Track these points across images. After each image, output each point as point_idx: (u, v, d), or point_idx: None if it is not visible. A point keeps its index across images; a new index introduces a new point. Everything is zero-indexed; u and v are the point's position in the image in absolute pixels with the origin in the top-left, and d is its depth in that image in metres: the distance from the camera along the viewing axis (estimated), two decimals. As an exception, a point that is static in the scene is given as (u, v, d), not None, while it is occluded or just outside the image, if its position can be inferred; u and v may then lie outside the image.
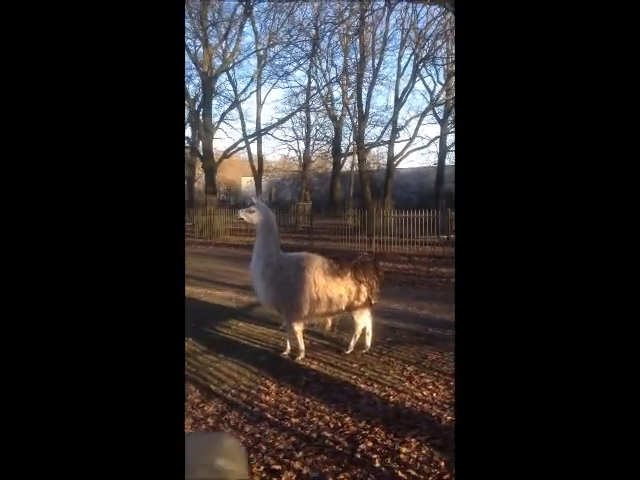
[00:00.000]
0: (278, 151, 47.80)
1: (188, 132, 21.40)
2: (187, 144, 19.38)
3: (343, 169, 29.36)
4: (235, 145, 19.93)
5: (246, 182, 38.32)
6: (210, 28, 18.18)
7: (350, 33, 20.53)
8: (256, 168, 23.71)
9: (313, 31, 20.06)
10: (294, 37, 19.06)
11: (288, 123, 27.19)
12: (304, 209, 20.20)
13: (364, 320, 4.15)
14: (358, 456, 2.51)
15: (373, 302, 4.15)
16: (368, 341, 4.19)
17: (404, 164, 27.40)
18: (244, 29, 19.01)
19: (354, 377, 3.58)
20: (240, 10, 17.57)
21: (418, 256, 11.35)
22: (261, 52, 20.18)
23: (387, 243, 12.49)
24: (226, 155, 19.67)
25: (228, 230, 15.79)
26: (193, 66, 18.71)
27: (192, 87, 21.08)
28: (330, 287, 3.91)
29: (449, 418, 2.92)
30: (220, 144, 25.39)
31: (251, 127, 24.51)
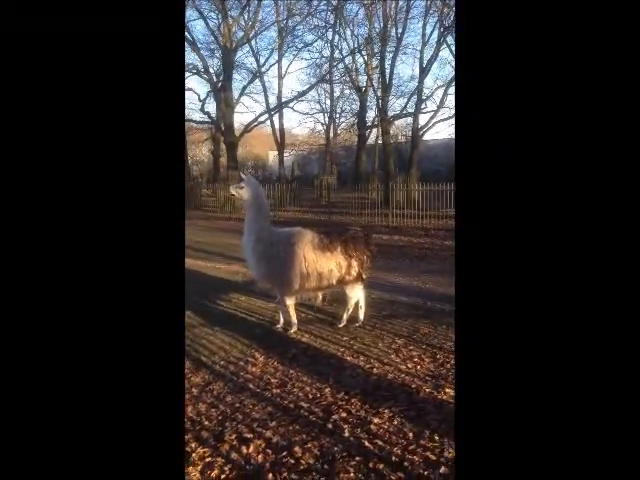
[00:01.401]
0: (304, 124, 47.49)
1: (212, 107, 21.53)
2: (208, 119, 19.45)
3: (370, 141, 29.02)
4: (256, 119, 19.90)
5: (273, 156, 38.29)
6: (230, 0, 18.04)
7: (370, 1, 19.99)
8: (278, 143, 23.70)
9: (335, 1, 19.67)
10: (314, 7, 18.69)
11: (314, 95, 27.02)
12: (327, 183, 20.17)
13: (356, 294, 4.18)
14: (330, 426, 2.57)
15: (364, 276, 4.16)
16: (361, 315, 4.23)
17: (431, 135, 26.96)
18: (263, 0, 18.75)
19: (342, 350, 3.64)
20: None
21: (437, 229, 11.25)
22: (281, 23, 19.96)
23: (407, 217, 12.40)
24: (247, 129, 19.69)
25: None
26: (213, 39, 18.74)
27: (215, 61, 21.15)
28: (320, 262, 3.96)
29: (427, 390, 2.95)
30: (244, 118, 25.33)
31: (274, 100, 24.32)
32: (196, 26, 45.90)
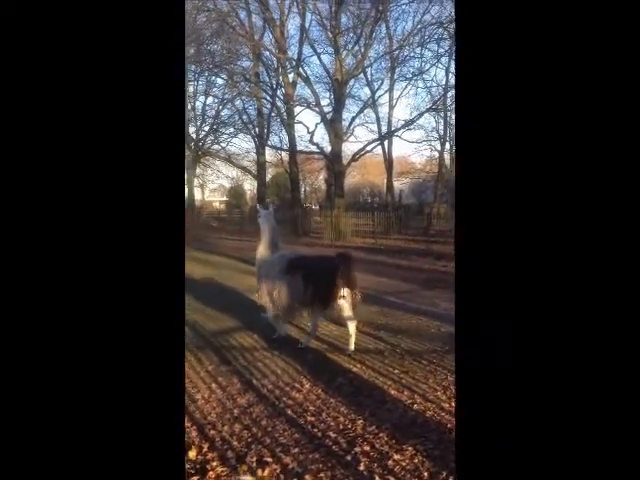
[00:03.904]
0: (420, 151, 47.69)
1: (327, 137, 22.28)
2: (317, 149, 20.18)
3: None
4: (364, 148, 20.26)
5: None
6: (344, 34, 18.69)
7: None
8: (394, 170, 23.84)
9: (452, 29, 19.50)
10: (427, 37, 18.73)
11: (431, 123, 26.82)
12: (438, 211, 19.86)
13: (348, 320, 4.36)
14: (349, 458, 2.58)
15: (325, 307, 4.35)
16: (350, 343, 4.34)
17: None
18: (375, 33, 19.19)
19: (389, 383, 3.60)
20: (372, 13, 17.76)
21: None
22: (394, 54, 20.27)
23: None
24: (354, 158, 20.10)
25: (354, 232, 16.21)
26: (326, 74, 19.56)
27: (328, 94, 22.00)
28: (282, 285, 4.50)
29: (462, 431, 2.84)
30: (357, 147, 25.80)
31: (387, 129, 24.56)
32: (310, 63, 47.74)
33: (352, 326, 4.33)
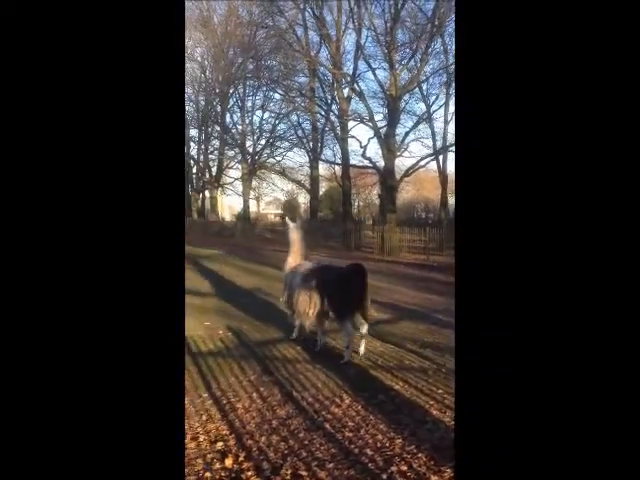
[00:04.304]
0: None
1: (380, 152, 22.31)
2: (370, 164, 20.17)
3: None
4: (417, 163, 20.11)
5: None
6: (399, 50, 18.71)
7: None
8: (448, 185, 23.55)
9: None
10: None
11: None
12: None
13: (345, 331, 4.54)
14: (384, 477, 2.54)
15: (340, 317, 4.53)
16: (345, 354, 4.53)
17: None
18: (431, 48, 19.10)
19: (431, 402, 3.51)
20: (428, 28, 17.70)
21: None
22: (450, 69, 20.07)
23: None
24: (407, 174, 19.98)
25: (405, 247, 16.04)
26: (380, 89, 19.58)
27: (382, 109, 22.04)
28: (299, 293, 4.78)
29: (505, 457, 2.73)
30: (411, 162, 25.68)
31: (441, 145, 24.36)
32: (365, 79, 47.89)
33: (363, 330, 4.61)
